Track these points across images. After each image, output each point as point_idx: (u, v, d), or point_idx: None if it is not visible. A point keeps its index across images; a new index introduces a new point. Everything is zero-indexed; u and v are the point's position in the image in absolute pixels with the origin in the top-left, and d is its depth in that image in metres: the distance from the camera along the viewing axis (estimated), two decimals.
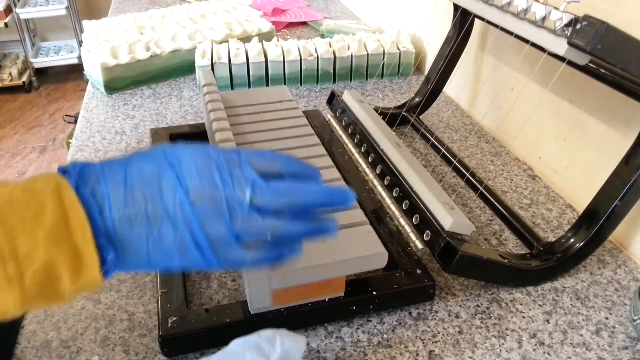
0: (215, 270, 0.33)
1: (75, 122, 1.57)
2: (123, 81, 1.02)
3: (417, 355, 0.51)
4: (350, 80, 1.07)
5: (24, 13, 2.94)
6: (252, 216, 0.33)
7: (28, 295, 0.30)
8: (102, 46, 1.02)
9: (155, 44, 1.06)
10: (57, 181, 0.33)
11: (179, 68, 1.08)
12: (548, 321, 0.55)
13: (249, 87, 1.03)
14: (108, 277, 0.34)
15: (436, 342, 0.52)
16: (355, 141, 0.77)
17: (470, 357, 0.51)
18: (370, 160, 0.72)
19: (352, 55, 1.04)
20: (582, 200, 0.72)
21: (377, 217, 0.63)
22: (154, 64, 1.04)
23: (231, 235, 0.33)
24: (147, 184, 0.34)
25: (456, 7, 0.81)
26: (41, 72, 3.31)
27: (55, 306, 0.32)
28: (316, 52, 1.03)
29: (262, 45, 1.03)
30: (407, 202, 0.61)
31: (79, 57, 3.16)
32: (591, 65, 0.58)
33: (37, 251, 0.30)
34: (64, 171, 0.34)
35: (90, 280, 0.32)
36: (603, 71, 0.58)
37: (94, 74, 1.02)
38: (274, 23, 1.35)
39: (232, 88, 1.02)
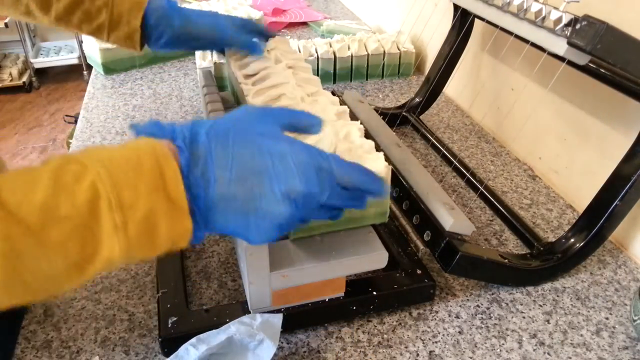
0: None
1: (75, 122, 1.57)
2: (121, 63, 1.07)
3: (417, 355, 0.51)
4: (350, 80, 1.07)
5: None
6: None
7: (131, 244, 0.34)
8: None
9: None
10: (157, 146, 0.36)
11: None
12: (548, 321, 0.55)
13: None
14: (198, 238, 0.38)
15: (436, 342, 0.52)
16: None
17: (470, 357, 0.51)
18: None
19: (352, 55, 1.04)
20: (582, 200, 0.72)
21: None
22: None
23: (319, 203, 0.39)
24: (250, 178, 0.38)
25: (456, 7, 0.81)
26: (41, 72, 3.31)
27: (149, 257, 0.36)
28: (316, 52, 1.03)
29: None
30: (407, 202, 0.61)
31: (79, 57, 3.17)
32: (591, 65, 0.58)
33: (139, 201, 0.34)
34: (172, 137, 0.38)
35: (183, 229, 0.36)
36: (603, 71, 0.58)
37: (93, 55, 1.07)
38: (274, 23, 1.35)
39: None
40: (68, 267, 0.33)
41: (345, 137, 0.53)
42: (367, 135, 0.74)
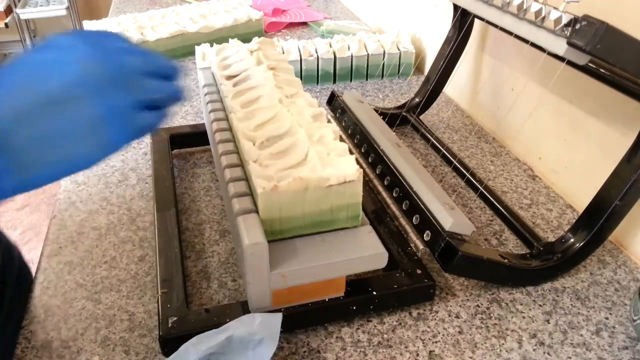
0: (120, 148, 0.33)
1: None
2: None
3: (417, 355, 0.51)
4: (350, 80, 1.07)
5: (24, 13, 2.94)
6: (142, 79, 0.33)
7: None
8: None
9: (153, 29, 1.14)
10: None
11: (181, 48, 1.16)
12: (548, 321, 0.55)
13: None
14: (4, 195, 0.30)
15: (436, 342, 0.52)
16: (355, 141, 0.77)
17: (470, 357, 0.51)
18: (370, 161, 0.72)
19: (352, 55, 1.04)
20: (582, 200, 0.72)
21: (377, 217, 0.63)
22: (154, 45, 1.11)
23: (129, 100, 0.31)
24: (31, 74, 0.30)
25: (456, 7, 0.81)
26: None
27: None
28: (316, 52, 1.03)
29: None
30: (407, 202, 0.61)
31: None
32: (591, 65, 0.58)
33: None
34: None
35: None
36: (603, 71, 0.58)
37: None
38: (274, 23, 1.35)
39: None
40: None
41: (319, 140, 0.53)
42: (367, 135, 0.74)
